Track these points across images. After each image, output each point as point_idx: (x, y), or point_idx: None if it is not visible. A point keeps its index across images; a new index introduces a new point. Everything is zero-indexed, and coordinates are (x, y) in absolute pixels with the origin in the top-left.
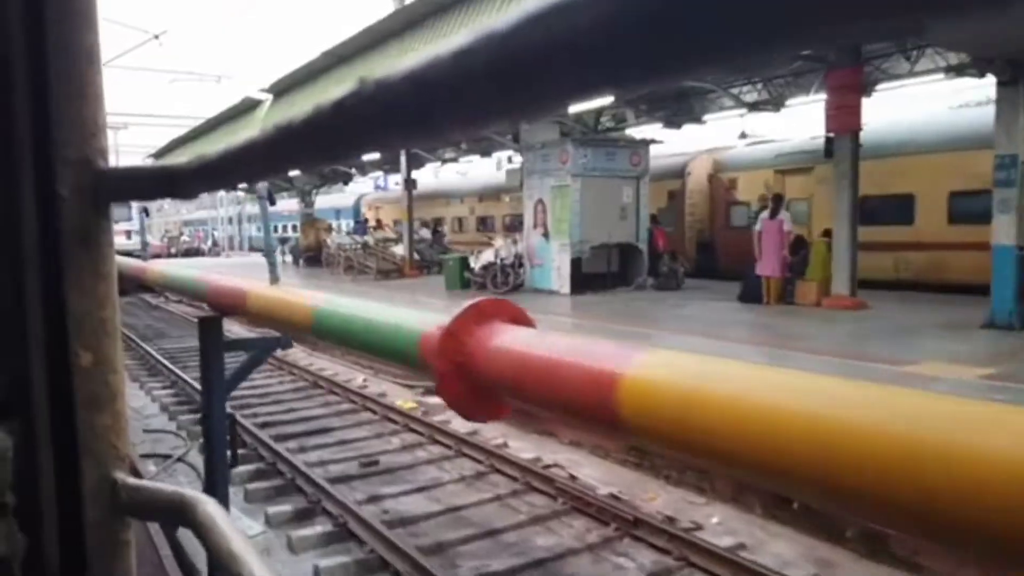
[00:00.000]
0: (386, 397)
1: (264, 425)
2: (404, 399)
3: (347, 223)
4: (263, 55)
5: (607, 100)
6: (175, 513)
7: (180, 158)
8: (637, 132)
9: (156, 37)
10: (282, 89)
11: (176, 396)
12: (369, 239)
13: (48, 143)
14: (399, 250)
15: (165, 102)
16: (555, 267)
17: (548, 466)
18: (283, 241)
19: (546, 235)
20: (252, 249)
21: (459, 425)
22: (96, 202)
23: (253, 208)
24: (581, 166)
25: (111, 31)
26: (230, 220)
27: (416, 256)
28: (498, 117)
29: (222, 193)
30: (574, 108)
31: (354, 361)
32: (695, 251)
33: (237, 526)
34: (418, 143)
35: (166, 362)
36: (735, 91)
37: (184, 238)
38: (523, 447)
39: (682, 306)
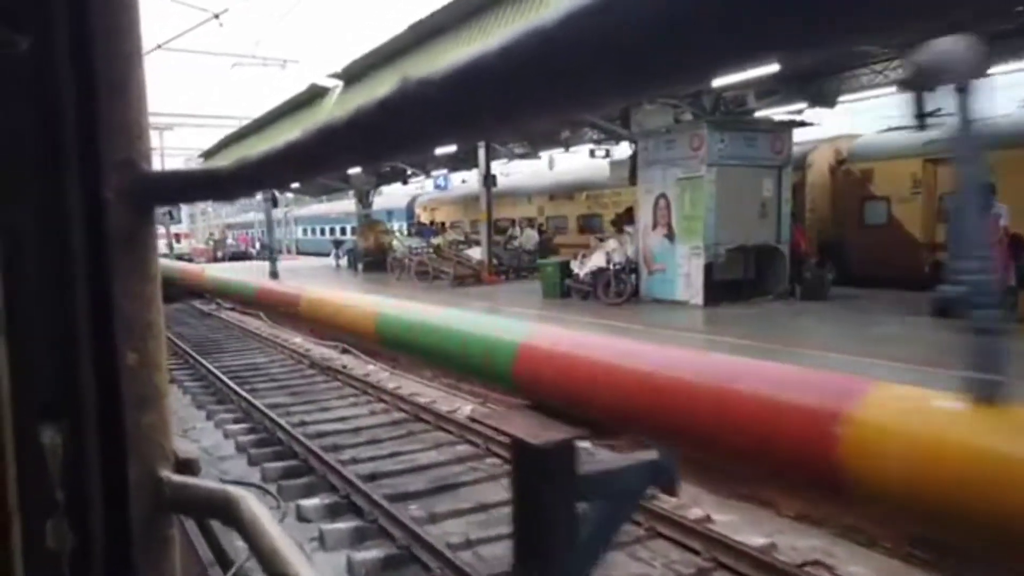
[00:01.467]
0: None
1: (372, 477)
2: None
3: (399, 225)
4: (332, 39)
5: (729, 79)
6: (219, 510)
7: (232, 156)
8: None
9: (216, 16)
10: (353, 76)
11: (253, 432)
12: (440, 241)
13: (94, 147)
14: (475, 253)
15: (224, 89)
16: (682, 273)
17: (802, 564)
18: (337, 244)
19: (670, 236)
20: (300, 253)
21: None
22: (140, 205)
23: (298, 210)
24: (717, 153)
25: (168, 10)
26: (275, 223)
27: (493, 260)
28: (546, 113)
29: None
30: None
31: (450, 384)
32: (814, 252)
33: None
34: (462, 140)
35: (234, 385)
36: (879, 67)
37: (229, 241)
38: (736, 523)
39: (869, 323)
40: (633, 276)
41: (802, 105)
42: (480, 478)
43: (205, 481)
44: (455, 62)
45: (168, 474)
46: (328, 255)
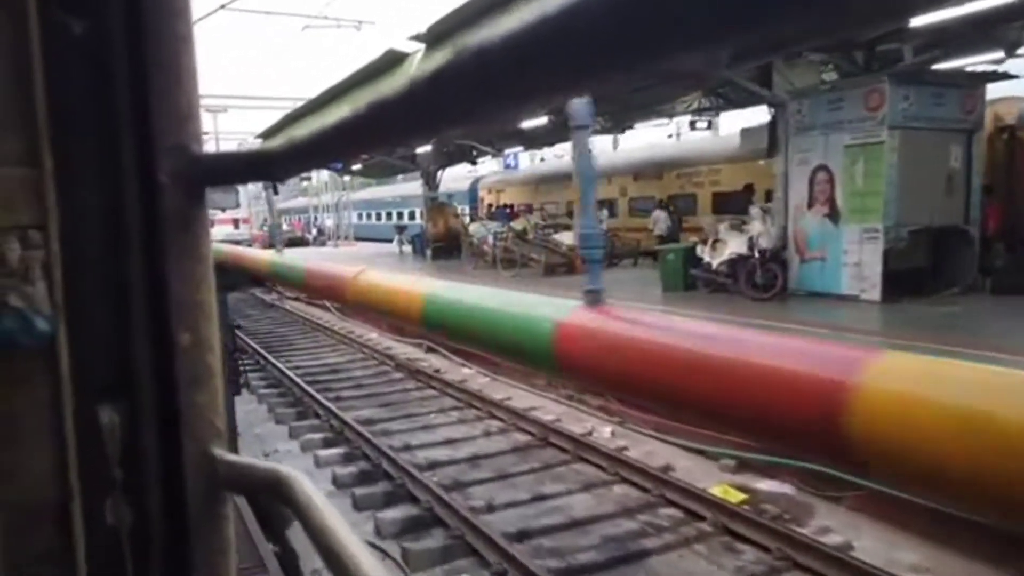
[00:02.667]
0: (675, 472)
1: (521, 536)
2: (715, 480)
3: (461, 209)
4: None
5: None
6: (271, 488)
7: (295, 133)
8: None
9: None
10: (438, 37)
11: (350, 460)
12: (524, 225)
13: (147, 130)
14: (565, 239)
15: (283, 65)
16: (849, 262)
17: None
18: (400, 229)
19: (832, 216)
20: (357, 239)
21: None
22: (192, 187)
23: (355, 194)
24: (900, 114)
25: None
26: (328, 208)
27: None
28: (615, 76)
29: (324, 177)
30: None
31: (569, 396)
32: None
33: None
34: (518, 111)
35: (315, 393)
36: None
37: (284, 227)
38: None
39: None
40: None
41: (971, 59)
42: (671, 543)
43: (257, 460)
44: (514, 27)
45: (221, 452)
46: (387, 241)
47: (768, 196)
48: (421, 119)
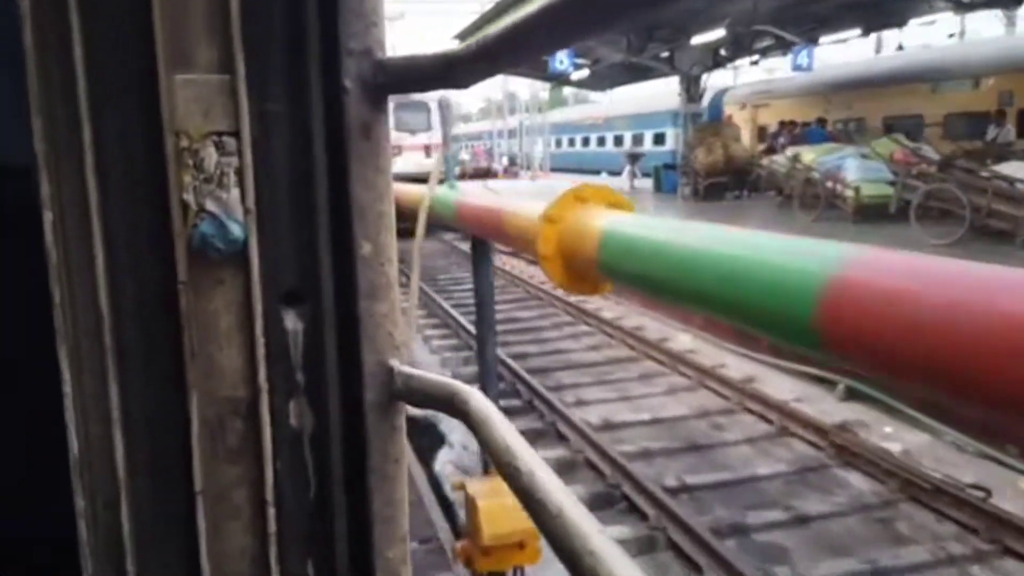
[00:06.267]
0: None
1: None
2: None
3: (675, 134)
4: None
5: None
6: (446, 403)
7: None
8: None
9: None
10: None
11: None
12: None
13: (334, 35)
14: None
15: None
16: None
17: None
18: (634, 158)
19: None
20: (555, 170)
21: None
22: (376, 93)
23: (555, 114)
24: None
25: None
26: (511, 133)
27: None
28: None
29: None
30: None
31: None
32: None
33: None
34: None
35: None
36: None
37: (463, 156)
38: None
39: None
40: None
41: None
42: None
43: (432, 375)
44: None
45: (398, 364)
46: (594, 173)
47: None
48: None
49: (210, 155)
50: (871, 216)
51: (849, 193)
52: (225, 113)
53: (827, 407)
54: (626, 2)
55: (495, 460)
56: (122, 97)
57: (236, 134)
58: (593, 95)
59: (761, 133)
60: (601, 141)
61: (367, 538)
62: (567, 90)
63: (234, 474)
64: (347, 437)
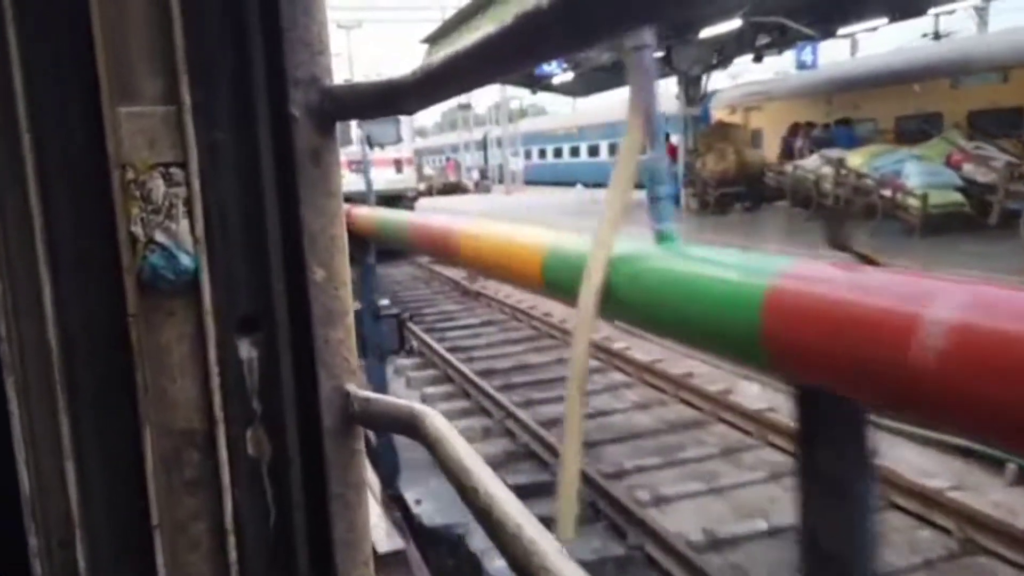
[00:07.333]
0: None
1: None
2: None
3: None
4: None
5: None
6: (405, 425)
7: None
8: None
9: None
10: None
11: None
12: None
13: (280, 64)
14: None
15: None
16: None
17: None
18: None
19: None
20: (529, 182)
21: None
22: (323, 120)
23: (527, 124)
24: None
25: None
26: (477, 146)
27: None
28: None
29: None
30: None
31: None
32: None
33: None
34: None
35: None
36: None
37: (427, 171)
38: None
39: None
40: None
41: None
42: None
43: (390, 398)
44: None
45: (354, 388)
46: (570, 185)
47: None
48: (591, 18)
49: (158, 186)
50: (938, 227)
51: (913, 202)
52: (172, 144)
53: (998, 497)
54: (571, 32)
55: (453, 480)
56: (66, 131)
57: (183, 165)
58: (563, 101)
59: (754, 138)
60: (575, 151)
61: (329, 564)
62: (541, 98)
63: (192, 506)
64: (306, 464)
